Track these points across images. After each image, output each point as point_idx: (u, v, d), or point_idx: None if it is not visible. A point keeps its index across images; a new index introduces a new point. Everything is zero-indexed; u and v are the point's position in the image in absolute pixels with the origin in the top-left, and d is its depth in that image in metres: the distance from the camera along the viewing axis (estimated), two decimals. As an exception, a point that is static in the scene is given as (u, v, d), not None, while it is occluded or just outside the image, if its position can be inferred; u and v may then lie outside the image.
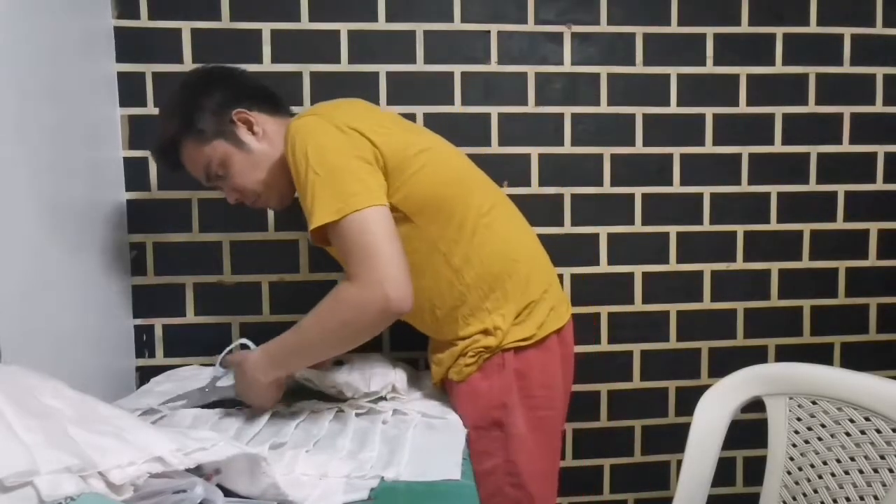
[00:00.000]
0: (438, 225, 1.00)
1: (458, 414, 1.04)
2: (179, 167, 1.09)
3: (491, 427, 1.02)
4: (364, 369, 1.12)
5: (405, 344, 1.37)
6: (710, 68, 1.42)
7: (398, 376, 1.11)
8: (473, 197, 1.05)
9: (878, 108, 1.46)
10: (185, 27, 1.30)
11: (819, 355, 1.48)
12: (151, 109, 1.31)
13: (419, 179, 0.98)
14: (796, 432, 1.05)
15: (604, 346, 1.45)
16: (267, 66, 1.32)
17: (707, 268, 1.46)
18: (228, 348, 1.12)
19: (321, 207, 0.89)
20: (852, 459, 0.98)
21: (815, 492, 1.02)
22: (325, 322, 0.91)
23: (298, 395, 1.08)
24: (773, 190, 1.46)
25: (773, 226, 1.46)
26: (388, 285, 0.86)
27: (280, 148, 1.03)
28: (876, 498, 0.94)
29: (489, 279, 1.02)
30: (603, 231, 1.42)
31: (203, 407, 1.05)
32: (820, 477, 1.01)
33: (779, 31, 1.42)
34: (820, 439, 1.02)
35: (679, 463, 1.16)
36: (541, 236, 1.15)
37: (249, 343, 1.11)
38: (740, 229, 1.46)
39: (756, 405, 1.07)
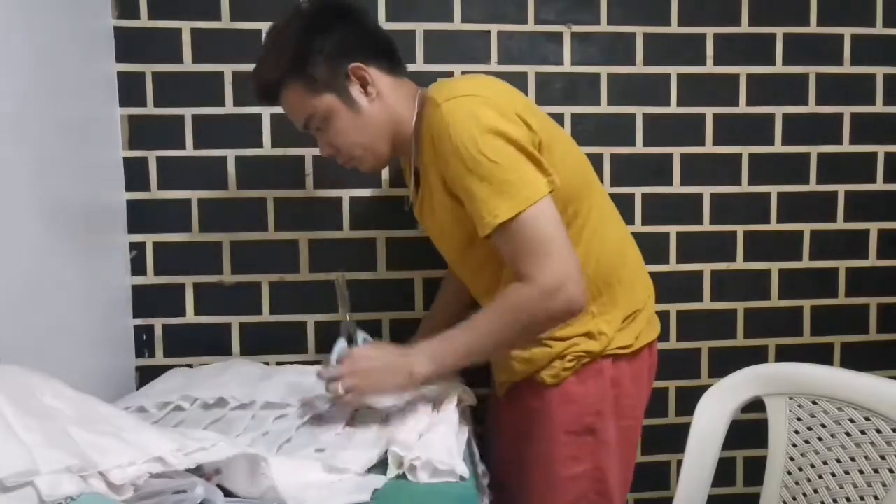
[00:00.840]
0: (565, 219, 0.94)
1: (544, 416, 1.02)
2: (275, 103, 1.01)
3: (583, 433, 1.00)
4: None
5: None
6: (710, 68, 1.42)
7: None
8: (595, 196, 1.03)
9: (878, 108, 1.46)
10: (185, 27, 1.30)
11: (819, 355, 1.47)
12: (151, 109, 1.31)
13: (560, 169, 0.92)
14: (796, 432, 1.05)
15: (604, 346, 1.45)
16: (267, 66, 1.31)
17: (707, 268, 1.46)
18: (343, 342, 1.04)
19: (501, 200, 0.84)
20: (852, 459, 0.98)
21: (815, 492, 1.02)
22: (504, 328, 0.88)
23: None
24: (773, 190, 1.45)
25: (773, 226, 1.46)
26: (571, 286, 0.84)
27: (392, 112, 0.98)
28: (876, 498, 0.94)
29: (599, 282, 1.00)
30: (603, 231, 1.42)
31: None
32: (820, 477, 1.01)
33: (779, 31, 1.42)
34: (820, 439, 1.02)
35: (679, 463, 1.16)
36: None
37: (367, 336, 1.05)
38: (740, 229, 1.46)
39: (756, 405, 1.07)
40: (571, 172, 0.97)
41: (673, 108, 1.42)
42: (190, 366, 1.32)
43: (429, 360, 0.90)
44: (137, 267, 1.34)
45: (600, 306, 1.01)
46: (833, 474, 1.00)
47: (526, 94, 1.37)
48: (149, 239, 1.34)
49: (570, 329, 0.99)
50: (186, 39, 1.31)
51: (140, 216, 1.33)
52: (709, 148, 1.43)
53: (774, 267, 1.47)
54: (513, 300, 0.86)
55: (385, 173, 1.36)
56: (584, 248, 0.98)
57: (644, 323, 1.06)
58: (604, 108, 1.40)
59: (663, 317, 1.45)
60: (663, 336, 1.45)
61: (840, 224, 1.47)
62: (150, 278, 1.34)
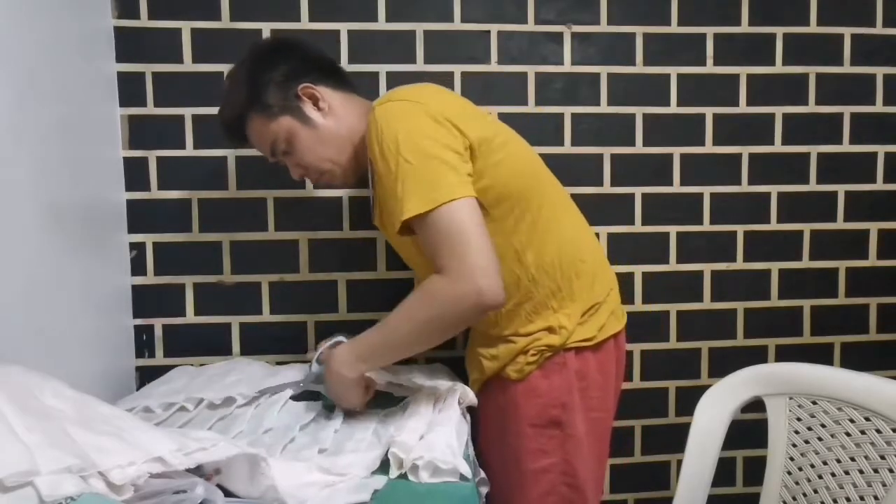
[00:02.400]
0: (513, 218, 0.99)
1: (511, 411, 1.03)
2: (245, 141, 1.08)
3: (549, 426, 1.02)
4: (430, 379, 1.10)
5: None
6: (710, 68, 1.42)
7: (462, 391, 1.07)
8: (546, 193, 1.05)
9: (878, 108, 1.46)
10: (185, 27, 1.30)
11: (819, 355, 1.48)
12: (151, 109, 1.31)
13: (500, 171, 0.97)
14: (796, 432, 1.05)
15: (604, 346, 1.45)
16: (267, 66, 1.31)
17: (707, 268, 1.46)
18: (326, 343, 1.08)
19: (412, 197, 0.87)
20: (852, 459, 0.98)
21: (815, 492, 1.02)
22: (415, 316, 0.89)
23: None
24: (773, 190, 1.46)
25: (773, 226, 1.46)
26: (481, 277, 0.84)
27: (347, 124, 1.03)
28: (876, 498, 0.95)
29: (557, 277, 1.02)
30: (603, 231, 1.42)
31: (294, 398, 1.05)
32: (820, 477, 1.02)
33: (779, 31, 1.42)
34: (820, 439, 1.02)
35: (679, 463, 1.16)
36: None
37: (344, 339, 1.06)
38: (740, 229, 1.46)
39: (756, 405, 1.07)
40: (516, 171, 1.00)
41: (673, 108, 1.42)
42: (191, 365, 1.32)
43: (356, 361, 0.95)
44: (137, 267, 1.34)
45: (559, 301, 1.03)
46: (833, 474, 1.00)
47: (526, 93, 1.38)
48: (149, 239, 1.34)
49: (533, 325, 1.02)
50: (186, 39, 1.31)
51: (140, 216, 1.33)
52: (709, 148, 1.43)
53: (774, 267, 1.47)
54: (425, 290, 0.88)
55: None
56: (537, 245, 1.01)
57: (606, 315, 1.07)
58: (604, 108, 1.40)
59: (663, 317, 1.45)
60: (663, 336, 1.46)
61: (840, 224, 1.47)
62: (150, 278, 1.34)
